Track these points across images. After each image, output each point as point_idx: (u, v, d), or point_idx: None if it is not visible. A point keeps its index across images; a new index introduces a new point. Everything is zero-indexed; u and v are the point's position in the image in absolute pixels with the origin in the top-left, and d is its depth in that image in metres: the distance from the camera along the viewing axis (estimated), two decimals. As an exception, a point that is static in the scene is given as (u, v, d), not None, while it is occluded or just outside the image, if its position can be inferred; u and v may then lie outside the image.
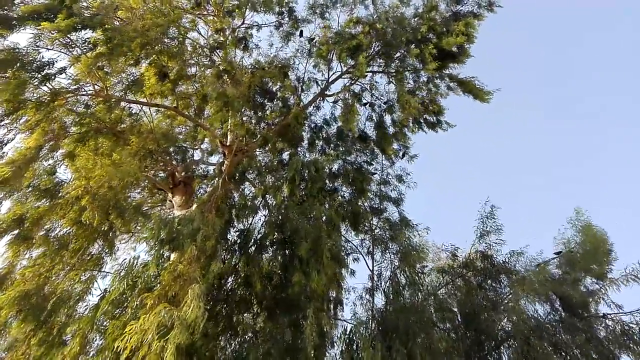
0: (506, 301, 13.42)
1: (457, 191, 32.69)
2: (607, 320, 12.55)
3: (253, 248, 11.26)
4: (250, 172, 12.68)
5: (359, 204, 13.82)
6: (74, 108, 11.74)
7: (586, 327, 12.57)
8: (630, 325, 12.07)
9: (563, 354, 12.03)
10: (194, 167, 15.02)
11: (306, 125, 14.25)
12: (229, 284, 11.12)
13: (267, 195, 11.83)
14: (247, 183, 12.69)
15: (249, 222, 11.75)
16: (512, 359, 11.77)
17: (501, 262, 13.80)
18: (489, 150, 33.47)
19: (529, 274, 13.31)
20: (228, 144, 12.86)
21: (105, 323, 9.13)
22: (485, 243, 14.15)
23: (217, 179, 12.36)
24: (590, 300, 13.11)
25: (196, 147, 16.16)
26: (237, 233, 11.72)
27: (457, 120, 14.30)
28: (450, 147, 30.49)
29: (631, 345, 11.82)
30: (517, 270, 13.62)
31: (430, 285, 13.88)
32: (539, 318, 12.90)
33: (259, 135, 13.19)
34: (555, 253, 14.24)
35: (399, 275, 12.46)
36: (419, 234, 13.97)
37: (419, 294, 12.46)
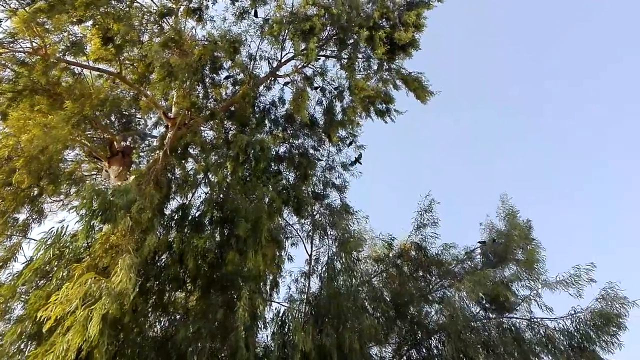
0: (436, 292, 14.08)
1: (402, 183, 33.60)
2: (533, 324, 13.30)
3: (190, 225, 11.20)
4: (194, 147, 12.54)
5: (302, 188, 13.98)
6: (8, 65, 11.11)
7: (513, 328, 13.33)
8: (554, 331, 12.83)
9: (491, 351, 12.76)
10: (134, 137, 14.66)
11: (255, 104, 14.19)
12: (163, 260, 11.03)
13: (209, 173, 11.75)
14: (189, 158, 12.54)
15: (189, 198, 11.72)
16: (442, 351, 12.37)
17: (434, 254, 14.41)
18: (441, 143, 34.46)
19: (455, 264, 14.01)
20: (172, 116, 12.62)
21: (28, 292, 8.87)
22: (421, 235, 14.72)
23: (158, 151, 12.12)
24: (520, 300, 13.79)
25: (138, 118, 15.75)
26: (175, 208, 11.64)
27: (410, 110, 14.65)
28: (401, 138, 31.15)
29: (552, 348, 12.62)
30: (447, 261, 14.29)
31: (365, 273, 14.33)
32: (470, 314, 13.58)
33: (205, 111, 13.00)
34: (479, 242, 14.98)
35: (335, 261, 12.75)
36: (358, 222, 14.36)
37: (354, 280, 12.83)
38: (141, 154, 13.92)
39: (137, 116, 15.60)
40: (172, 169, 12.07)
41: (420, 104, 13.77)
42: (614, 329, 12.08)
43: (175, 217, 11.32)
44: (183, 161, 12.21)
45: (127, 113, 15.04)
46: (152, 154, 12.80)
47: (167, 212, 11.56)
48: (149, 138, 15.00)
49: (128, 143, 13.78)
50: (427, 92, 13.62)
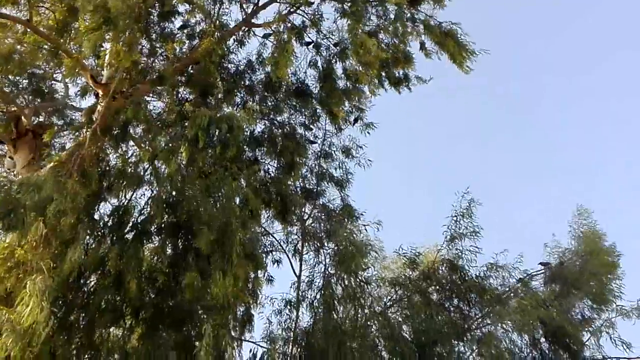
0: (477, 329, 14.07)
1: (428, 174, 33.38)
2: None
3: (131, 234, 11.09)
4: (136, 125, 12.38)
5: (289, 183, 13.90)
6: None
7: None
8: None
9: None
10: (50, 111, 14.49)
11: (222, 65, 14.06)
12: (92, 282, 10.91)
13: (158, 161, 11.61)
14: (129, 141, 12.39)
15: (128, 196, 11.58)
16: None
17: (474, 276, 14.37)
18: (476, 120, 34.25)
19: (506, 291, 13.99)
20: (104, 81, 12.42)
21: None
22: (456, 249, 14.67)
23: (84, 130, 11.92)
24: (585, 330, 13.93)
25: (56, 82, 15.59)
26: (110, 211, 11.52)
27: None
28: (421, 113, 30.71)
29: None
30: (493, 287, 14.25)
31: (377, 300, 14.26)
32: (519, 352, 13.64)
33: (151, 74, 12.86)
34: (540, 264, 15.01)
35: (334, 285, 12.72)
36: (366, 229, 14.30)
37: (360, 311, 12.80)
38: (60, 134, 13.76)
39: (54, 81, 15.45)
40: (105, 156, 11.91)
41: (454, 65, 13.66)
42: None
43: (110, 223, 11.20)
44: (120, 145, 12.03)
45: (39, 77, 14.86)
46: (76, 135, 12.64)
47: (98, 215, 11.43)
48: (71, 112, 14.83)
49: (41, 119, 13.63)
50: (467, 52, 13.48)
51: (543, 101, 32.73)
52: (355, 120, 15.32)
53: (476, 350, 13.53)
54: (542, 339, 13.81)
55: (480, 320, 14.26)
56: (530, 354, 13.85)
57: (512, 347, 13.68)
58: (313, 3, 13.97)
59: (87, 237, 10.94)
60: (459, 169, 31.37)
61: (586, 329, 13.97)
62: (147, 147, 11.91)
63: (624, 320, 13.94)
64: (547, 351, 13.73)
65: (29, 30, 13.01)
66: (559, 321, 13.16)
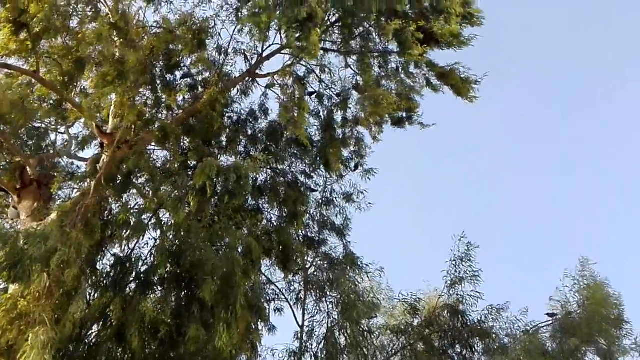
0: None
1: (426, 219, 33.38)
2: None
3: (133, 285, 10.96)
4: (140, 175, 12.36)
5: (291, 231, 13.81)
6: None
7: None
8: None
9: None
10: (54, 161, 14.45)
11: (226, 115, 14.12)
12: (94, 334, 10.73)
13: (162, 211, 11.54)
14: (133, 190, 12.35)
15: (132, 246, 11.46)
16: None
17: (475, 321, 14.21)
18: (472, 164, 34.35)
19: (513, 342, 13.81)
20: (109, 131, 12.45)
21: None
22: (457, 294, 14.54)
23: (88, 180, 11.92)
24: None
25: (61, 132, 15.61)
26: (113, 261, 11.38)
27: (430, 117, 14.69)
28: (420, 156, 30.79)
29: None
30: (496, 333, 14.09)
31: (380, 350, 14.08)
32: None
33: (155, 124, 12.88)
34: (547, 314, 14.87)
35: (337, 335, 12.56)
36: (368, 277, 14.18)
37: (364, 361, 12.63)
38: (64, 184, 13.69)
39: (59, 131, 15.46)
40: (109, 206, 11.84)
41: (448, 109, 13.83)
42: None
43: (113, 273, 11.06)
44: (124, 195, 12.00)
45: (44, 127, 14.88)
46: (81, 185, 12.59)
47: (101, 266, 11.35)
48: (75, 162, 14.80)
49: (45, 169, 13.58)
50: (469, 84, 13.61)
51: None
52: (356, 167, 15.34)
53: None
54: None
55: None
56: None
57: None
58: (314, 51, 14.10)
59: (90, 288, 10.85)
60: (460, 214, 31.36)
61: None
62: (151, 197, 11.86)
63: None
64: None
65: (34, 81, 13.11)
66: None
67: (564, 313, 15.18)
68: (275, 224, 13.79)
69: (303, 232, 14.80)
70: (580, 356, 14.37)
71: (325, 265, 14.21)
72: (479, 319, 14.43)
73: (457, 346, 14.41)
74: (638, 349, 13.98)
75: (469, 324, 14.34)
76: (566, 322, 14.93)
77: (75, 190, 13.07)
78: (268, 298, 14.46)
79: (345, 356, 12.77)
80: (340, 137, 14.88)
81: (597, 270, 15.45)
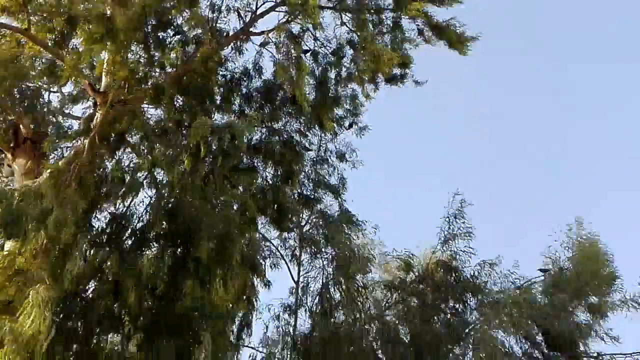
0: (472, 331, 14.05)
1: (420, 176, 33.38)
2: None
3: (129, 242, 11.03)
4: (134, 133, 12.29)
5: (286, 190, 13.84)
6: None
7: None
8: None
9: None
10: (48, 119, 14.35)
11: (220, 74, 13.98)
12: (90, 290, 10.81)
13: (156, 169, 11.53)
14: (127, 149, 12.31)
15: (127, 204, 11.48)
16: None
17: (468, 276, 14.36)
18: (467, 121, 34.19)
19: (506, 297, 13.98)
20: (102, 90, 12.32)
21: None
22: (450, 250, 14.68)
23: (82, 138, 11.84)
24: (581, 334, 13.99)
25: (54, 91, 15.47)
26: (108, 219, 11.43)
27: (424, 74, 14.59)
28: (414, 112, 30.58)
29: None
30: (488, 289, 14.26)
31: (375, 305, 14.24)
32: (515, 355, 13.66)
33: (148, 82, 12.76)
34: (540, 270, 15.03)
35: (332, 290, 12.70)
36: (363, 234, 14.27)
37: (358, 315, 12.77)
38: (58, 142, 13.62)
39: (52, 90, 15.31)
40: (103, 164, 11.81)
41: (449, 66, 13.69)
42: None
43: (109, 230, 11.11)
44: (118, 153, 11.96)
45: (37, 86, 14.72)
46: (74, 143, 12.53)
47: (97, 223, 11.38)
48: (69, 120, 14.70)
49: (39, 128, 13.50)
50: (465, 40, 13.47)
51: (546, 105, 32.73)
52: (350, 126, 15.32)
53: (472, 352, 13.49)
54: (539, 341, 13.84)
55: (476, 322, 14.22)
56: (526, 355, 13.87)
57: (507, 348, 13.71)
58: (314, 14, 13.91)
59: (86, 245, 10.87)
60: (456, 170, 31.36)
61: (583, 333, 14.00)
62: (145, 155, 11.82)
63: (614, 314, 14.14)
64: (543, 352, 13.76)
65: (25, 41, 12.94)
66: (556, 325, 13.16)
67: (556, 269, 15.34)
68: (270, 182, 13.79)
69: (298, 190, 14.83)
70: (571, 311, 14.56)
71: (321, 223, 14.29)
72: (472, 274, 14.62)
73: (450, 301, 14.60)
74: (627, 304, 14.15)
75: (461, 279, 14.53)
76: (558, 278, 15.12)
77: (68, 149, 12.97)
78: (264, 255, 14.60)
79: (339, 311, 12.91)
80: (335, 95, 14.78)
81: (591, 229, 15.61)
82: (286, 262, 14.58)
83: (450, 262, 14.83)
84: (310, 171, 15.23)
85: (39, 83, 14.96)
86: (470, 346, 13.45)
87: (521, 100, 33.11)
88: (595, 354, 13.72)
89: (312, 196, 14.89)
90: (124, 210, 11.44)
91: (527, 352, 13.87)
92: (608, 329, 14.16)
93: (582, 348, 13.97)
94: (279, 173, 13.84)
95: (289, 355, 12.47)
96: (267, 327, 13.62)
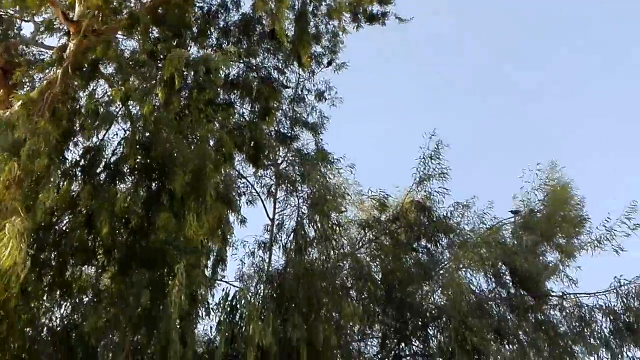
0: (442, 269, 14.32)
1: (400, 116, 33.15)
2: (565, 302, 13.85)
3: (103, 175, 10.99)
4: (107, 64, 12.05)
5: (263, 127, 13.74)
6: None
7: (538, 309, 13.86)
8: (593, 310, 13.36)
9: (506, 340, 13.22)
10: (21, 49, 14.00)
11: (196, 5, 13.67)
12: (64, 222, 10.82)
13: (131, 101, 11.36)
14: (101, 80, 12.09)
15: (101, 137, 11.42)
16: (442, 343, 12.66)
17: (441, 216, 14.52)
18: (448, 62, 33.78)
19: (475, 236, 14.21)
20: (75, 19, 11.99)
21: None
22: (425, 191, 14.76)
23: (55, 68, 11.57)
24: (549, 274, 14.34)
25: (27, 20, 15.05)
26: (82, 152, 11.39)
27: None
28: (401, 54, 30.09)
29: (587, 335, 13.15)
30: (460, 229, 14.46)
31: (348, 243, 14.39)
32: (482, 294, 13.99)
33: (124, 12, 12.43)
34: (511, 212, 15.25)
35: (306, 227, 12.77)
36: (339, 173, 14.29)
37: (332, 252, 12.91)
38: (30, 72, 13.32)
39: (25, 19, 14.89)
40: (76, 95, 11.62)
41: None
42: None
43: (82, 162, 11.04)
44: (92, 84, 11.76)
45: (9, 15, 14.30)
46: (47, 73, 12.27)
47: (70, 156, 11.34)
48: (41, 50, 14.35)
49: (11, 57, 13.18)
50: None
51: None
52: (329, 63, 15.13)
53: (440, 289, 13.77)
54: (507, 280, 14.17)
55: (446, 261, 14.48)
56: (492, 294, 14.22)
57: (475, 287, 14.05)
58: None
59: (59, 177, 10.81)
60: (435, 110, 31.20)
61: (550, 273, 14.34)
62: (119, 87, 11.62)
63: (580, 255, 14.50)
64: (509, 291, 14.11)
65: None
66: (523, 264, 13.44)
67: (527, 211, 15.57)
68: (247, 118, 13.69)
69: (275, 128, 14.75)
70: (539, 252, 14.86)
71: (297, 161, 14.24)
72: (445, 214, 14.75)
73: (423, 240, 14.79)
74: (593, 246, 14.45)
75: (434, 219, 14.64)
76: (528, 219, 15.35)
77: (41, 79, 12.71)
78: (239, 191, 14.59)
79: (314, 248, 13.02)
80: (314, 31, 14.56)
81: (563, 173, 15.79)
82: (262, 200, 14.60)
83: (424, 202, 14.91)
84: (287, 109, 15.11)
85: (11, 12, 14.55)
86: (439, 284, 13.69)
87: (502, 37, 32.48)
88: (560, 294, 14.05)
89: (289, 134, 14.81)
90: (98, 143, 11.35)
91: (494, 291, 14.19)
92: (574, 269, 14.50)
93: (547, 287, 14.32)
94: (256, 109, 13.73)
95: (262, 290, 12.60)
96: (242, 262, 13.69)
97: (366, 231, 14.95)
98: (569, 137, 30.26)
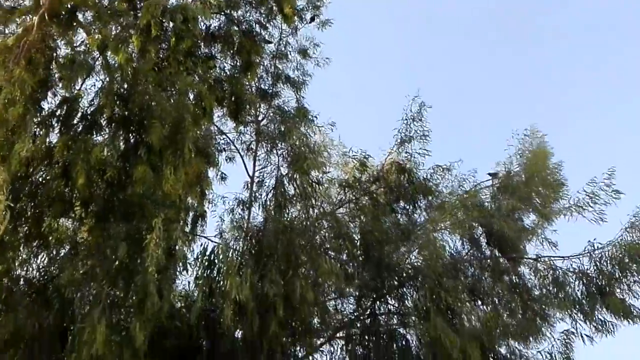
0: (419, 231, 14.40)
1: (385, 77, 32.90)
2: (539, 264, 14.02)
3: (80, 125, 10.81)
4: (85, 12, 11.75)
5: (244, 82, 13.56)
6: None
7: (513, 271, 14.04)
8: (567, 273, 13.56)
9: (480, 301, 13.41)
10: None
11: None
12: (41, 173, 10.69)
13: (109, 51, 11.13)
14: (78, 28, 11.80)
15: (78, 86, 11.22)
16: (417, 302, 12.79)
17: (421, 178, 14.52)
18: (433, 23, 33.40)
19: (453, 198, 14.27)
20: (52, -36, 11.68)
21: None
22: (406, 152, 14.71)
23: (31, 15, 11.36)
24: (525, 237, 14.47)
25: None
26: (58, 102, 11.21)
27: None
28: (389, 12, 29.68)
29: (562, 297, 13.35)
30: (439, 191, 14.50)
31: (327, 202, 14.36)
32: (458, 255, 14.12)
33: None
34: (489, 174, 15.29)
35: (286, 185, 12.70)
36: (320, 131, 14.19)
37: (311, 211, 12.90)
38: (6, 18, 12.97)
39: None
40: (53, 44, 11.35)
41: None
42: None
43: (59, 112, 10.85)
44: (69, 32, 11.48)
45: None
46: (23, 20, 11.96)
47: (47, 105, 11.17)
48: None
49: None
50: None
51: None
52: (312, 19, 14.90)
53: (417, 250, 13.85)
54: (483, 242, 14.30)
55: (424, 223, 14.54)
56: (468, 255, 14.36)
57: (452, 249, 14.19)
58: None
59: (35, 127, 10.63)
60: (419, 73, 30.99)
61: (526, 236, 14.47)
62: (96, 35, 11.37)
63: (558, 219, 14.64)
64: (485, 253, 14.26)
65: None
66: (500, 226, 13.52)
67: (506, 174, 15.63)
68: (228, 73, 13.48)
69: (256, 84, 14.57)
70: (517, 215, 14.95)
71: (278, 118, 14.10)
72: (425, 177, 14.73)
73: (402, 202, 14.80)
74: (571, 210, 14.55)
75: (414, 181, 14.63)
76: (507, 183, 15.41)
77: (17, 26, 12.40)
78: (219, 148, 14.49)
79: (293, 206, 13.00)
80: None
81: (543, 138, 15.84)
82: (242, 156, 14.49)
83: (405, 164, 14.87)
84: (269, 65, 14.91)
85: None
86: (416, 245, 13.74)
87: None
88: (534, 256, 14.21)
89: (271, 90, 14.65)
90: (74, 93, 11.13)
91: (470, 253, 14.31)
92: (551, 232, 14.64)
93: (523, 250, 14.45)
94: (237, 64, 13.52)
95: (241, 246, 12.60)
96: (221, 219, 13.65)
97: (346, 191, 14.89)
98: (560, 101, 30.38)
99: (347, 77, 27.58)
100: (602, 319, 13.10)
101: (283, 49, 15.02)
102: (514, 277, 14.06)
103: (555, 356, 13.23)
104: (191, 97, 11.60)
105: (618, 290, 13.03)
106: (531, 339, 13.23)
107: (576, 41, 31.77)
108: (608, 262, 13.25)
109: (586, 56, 31.42)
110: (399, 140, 14.79)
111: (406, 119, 14.70)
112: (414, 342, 13.14)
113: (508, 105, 31.67)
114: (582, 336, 13.11)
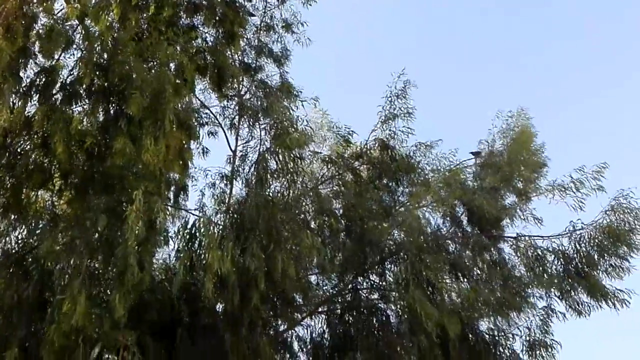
0: (401, 208, 14.46)
1: (369, 52, 32.65)
2: (519, 243, 14.16)
3: (59, 95, 10.66)
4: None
5: (227, 54, 13.40)
6: None
7: (494, 248, 14.18)
8: (546, 252, 13.70)
9: (461, 277, 13.53)
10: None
11: None
12: (19, 144, 10.57)
13: (88, 20, 10.93)
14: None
15: (57, 56, 11.03)
16: (398, 277, 12.86)
17: (404, 155, 14.53)
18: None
19: (436, 176, 14.32)
20: None
21: None
22: (389, 130, 14.69)
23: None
24: (506, 216, 14.59)
25: None
26: (37, 71, 11.02)
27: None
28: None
29: (541, 275, 13.51)
30: (422, 168, 14.53)
31: (310, 177, 14.34)
32: (439, 232, 14.22)
33: None
34: (471, 153, 15.37)
35: (268, 159, 12.63)
36: (303, 106, 14.10)
37: (293, 186, 12.86)
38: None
39: None
40: (31, 12, 11.12)
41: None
42: (624, 250, 13.04)
43: (37, 82, 10.67)
44: (47, 0, 11.25)
45: None
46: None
47: (25, 75, 10.89)
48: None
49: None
50: None
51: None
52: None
53: (398, 227, 13.90)
54: (464, 219, 14.41)
55: (406, 200, 14.61)
56: (449, 233, 14.47)
57: (433, 226, 14.29)
58: None
59: (13, 96, 10.46)
60: (406, 50, 30.82)
61: (507, 215, 14.59)
62: (75, 3, 11.14)
63: (539, 199, 14.79)
64: (466, 230, 14.37)
65: None
66: (481, 204, 13.62)
67: (488, 153, 15.73)
68: (210, 44, 13.30)
69: (240, 57, 14.42)
70: (499, 196, 15.06)
71: (260, 93, 14.00)
72: (407, 154, 14.74)
73: (384, 179, 14.81)
74: (553, 190, 14.67)
75: (397, 158, 14.63)
76: (489, 162, 15.52)
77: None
78: (202, 121, 14.38)
79: (275, 180, 12.94)
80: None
81: (529, 119, 16.01)
82: (224, 131, 14.39)
83: (388, 140, 14.86)
84: (253, 38, 14.77)
85: None
86: (398, 221, 13.79)
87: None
88: (514, 235, 14.37)
89: (254, 64, 14.52)
90: (54, 62, 10.97)
91: (451, 230, 14.42)
92: (531, 210, 14.78)
93: (504, 228, 14.60)
94: (220, 35, 13.33)
95: (222, 220, 12.54)
96: (202, 193, 13.56)
97: (329, 167, 14.88)
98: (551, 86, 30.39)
99: (332, 54, 27.36)
100: (579, 299, 13.34)
101: (268, 21, 14.87)
102: (494, 254, 14.23)
103: (534, 331, 13.46)
104: (172, 67, 11.47)
105: (595, 273, 13.25)
106: (511, 314, 13.41)
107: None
108: (587, 243, 13.43)
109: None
110: (382, 118, 14.77)
111: (390, 97, 14.67)
112: (394, 318, 13.31)
113: (496, 86, 31.62)
114: (557, 314, 13.41)
